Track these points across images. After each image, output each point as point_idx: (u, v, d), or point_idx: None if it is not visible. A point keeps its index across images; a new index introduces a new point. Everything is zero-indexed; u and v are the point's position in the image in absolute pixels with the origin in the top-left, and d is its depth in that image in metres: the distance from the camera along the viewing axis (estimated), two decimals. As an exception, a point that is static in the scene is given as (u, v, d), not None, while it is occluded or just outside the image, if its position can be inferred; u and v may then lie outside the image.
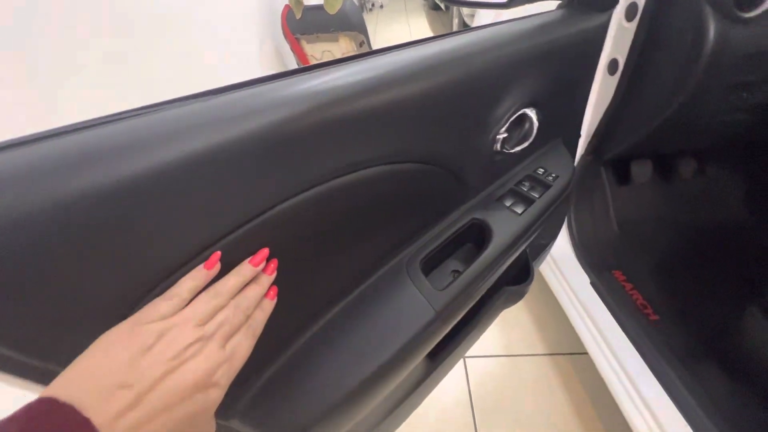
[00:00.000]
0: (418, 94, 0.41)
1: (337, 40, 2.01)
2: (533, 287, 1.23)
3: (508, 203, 0.60)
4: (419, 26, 3.98)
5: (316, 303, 0.45)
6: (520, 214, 0.58)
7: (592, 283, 0.98)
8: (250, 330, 0.31)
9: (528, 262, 0.77)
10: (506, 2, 0.69)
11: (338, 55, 2.06)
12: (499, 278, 0.62)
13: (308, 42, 2.05)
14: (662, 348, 0.83)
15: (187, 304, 0.29)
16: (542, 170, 0.65)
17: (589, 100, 0.89)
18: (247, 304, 0.31)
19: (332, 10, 1.82)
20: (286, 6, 1.90)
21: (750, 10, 0.63)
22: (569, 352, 1.15)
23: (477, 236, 0.57)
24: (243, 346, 0.30)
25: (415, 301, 0.46)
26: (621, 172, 1.08)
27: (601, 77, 0.86)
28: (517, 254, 0.59)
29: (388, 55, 0.41)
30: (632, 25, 0.76)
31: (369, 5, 4.35)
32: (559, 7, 0.65)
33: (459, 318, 0.52)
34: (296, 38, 2.03)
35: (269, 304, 0.34)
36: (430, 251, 0.52)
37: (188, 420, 0.26)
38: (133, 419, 0.23)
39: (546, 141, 0.68)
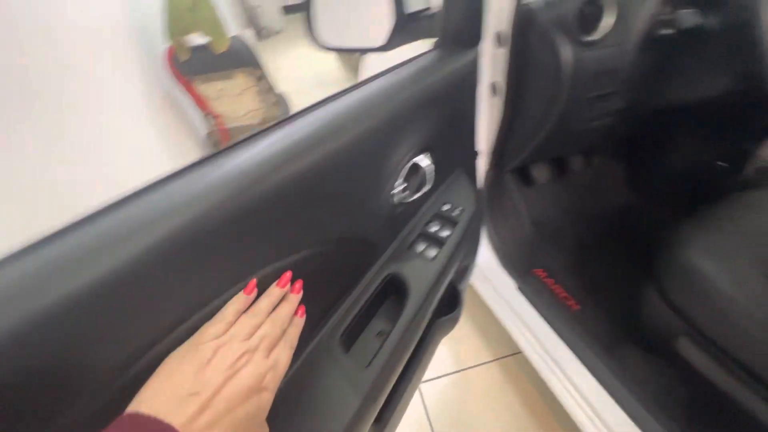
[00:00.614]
0: (299, 176, 0.38)
1: (232, 77, 1.92)
2: (472, 298, 1.27)
3: (420, 248, 0.60)
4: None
5: None
6: (434, 258, 0.58)
7: (519, 288, 1.03)
8: (287, 342, 0.37)
9: (455, 288, 0.79)
10: (383, 45, 0.71)
11: (236, 92, 1.97)
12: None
13: (202, 82, 1.93)
14: (585, 336, 0.90)
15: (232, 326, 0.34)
16: (448, 206, 0.66)
17: (483, 120, 0.94)
18: (282, 319, 0.37)
19: (220, 49, 1.74)
20: (170, 48, 1.77)
21: (591, 34, 0.72)
22: (513, 352, 1.21)
23: (397, 289, 0.56)
24: (283, 355, 0.35)
25: (338, 389, 0.43)
26: (524, 178, 1.17)
27: (487, 99, 0.91)
28: (437, 300, 0.59)
29: (259, 141, 0.39)
30: (503, 51, 0.82)
31: (264, 32, 4.24)
32: (435, 46, 0.68)
33: (391, 386, 0.50)
34: (188, 80, 1.90)
35: (300, 320, 0.40)
36: (349, 323, 0.49)
37: (247, 420, 0.30)
38: (204, 421, 0.28)
39: (446, 176, 0.69)
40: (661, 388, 0.77)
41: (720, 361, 0.67)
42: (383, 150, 0.50)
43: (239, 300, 0.35)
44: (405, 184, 0.54)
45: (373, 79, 0.54)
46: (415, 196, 0.57)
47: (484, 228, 1.08)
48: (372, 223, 0.52)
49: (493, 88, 0.88)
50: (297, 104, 2.80)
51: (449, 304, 0.75)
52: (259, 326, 0.35)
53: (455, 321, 0.76)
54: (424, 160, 0.57)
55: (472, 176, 0.82)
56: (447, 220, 0.64)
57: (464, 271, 0.91)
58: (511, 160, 1.01)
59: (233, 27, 3.73)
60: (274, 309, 0.37)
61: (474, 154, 0.83)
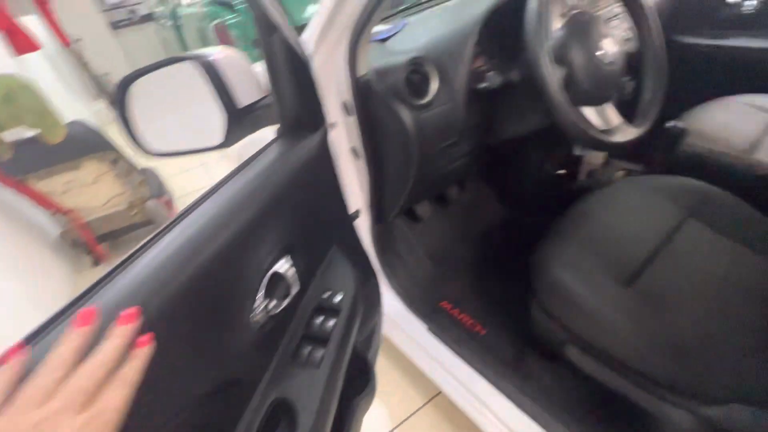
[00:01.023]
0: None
1: (80, 167, 1.67)
2: (390, 344, 1.26)
3: (305, 352, 0.56)
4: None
5: None
6: (319, 363, 0.54)
7: (429, 329, 1.05)
8: (120, 380, 0.30)
9: (365, 360, 0.76)
10: (222, 143, 0.67)
11: (89, 181, 1.72)
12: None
13: (40, 179, 1.65)
14: (491, 358, 0.94)
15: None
16: (328, 293, 0.63)
17: (354, 181, 0.96)
18: (104, 360, 0.30)
19: (55, 140, 1.51)
20: (-17, 149, 1.47)
21: (421, 98, 0.78)
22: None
23: (288, 412, 0.51)
24: (112, 397, 0.29)
25: None
26: (409, 218, 1.22)
27: (352, 162, 0.93)
28: (333, 411, 0.55)
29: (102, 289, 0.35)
30: (353, 119, 0.84)
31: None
32: (278, 135, 0.66)
33: None
34: (18, 180, 1.60)
35: (141, 351, 0.32)
36: None
37: None
38: None
39: (320, 262, 0.67)
40: (561, 394, 0.84)
41: (602, 360, 0.75)
42: (236, 270, 0.46)
43: (8, 366, 0.27)
44: (267, 301, 0.50)
45: (219, 187, 0.50)
46: (284, 305, 0.53)
47: (382, 281, 1.09)
48: (238, 357, 0.46)
49: (354, 152, 0.90)
50: (171, 172, 2.56)
51: (361, 378, 0.73)
52: (61, 381, 0.28)
53: (372, 394, 0.74)
54: (283, 265, 0.54)
55: (353, 244, 0.82)
56: (329, 311, 0.61)
57: (371, 337, 0.89)
58: (391, 211, 1.04)
59: (82, 100, 3.31)
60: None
61: (349, 222, 0.83)
